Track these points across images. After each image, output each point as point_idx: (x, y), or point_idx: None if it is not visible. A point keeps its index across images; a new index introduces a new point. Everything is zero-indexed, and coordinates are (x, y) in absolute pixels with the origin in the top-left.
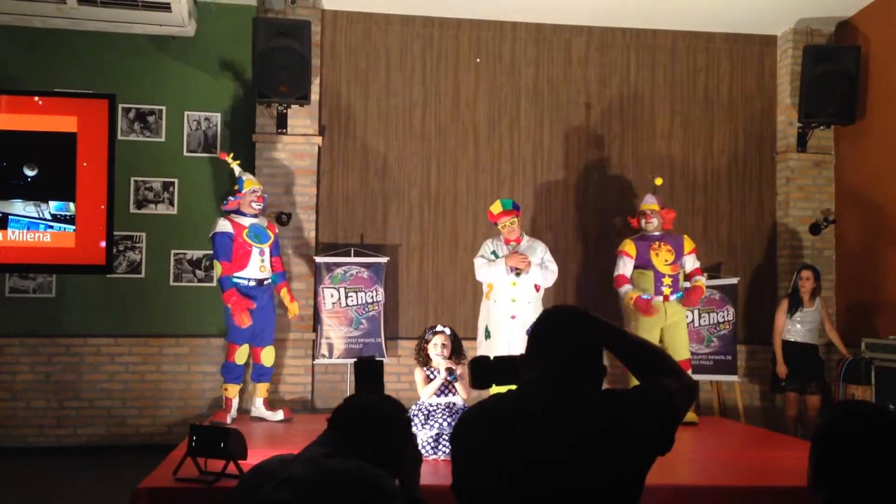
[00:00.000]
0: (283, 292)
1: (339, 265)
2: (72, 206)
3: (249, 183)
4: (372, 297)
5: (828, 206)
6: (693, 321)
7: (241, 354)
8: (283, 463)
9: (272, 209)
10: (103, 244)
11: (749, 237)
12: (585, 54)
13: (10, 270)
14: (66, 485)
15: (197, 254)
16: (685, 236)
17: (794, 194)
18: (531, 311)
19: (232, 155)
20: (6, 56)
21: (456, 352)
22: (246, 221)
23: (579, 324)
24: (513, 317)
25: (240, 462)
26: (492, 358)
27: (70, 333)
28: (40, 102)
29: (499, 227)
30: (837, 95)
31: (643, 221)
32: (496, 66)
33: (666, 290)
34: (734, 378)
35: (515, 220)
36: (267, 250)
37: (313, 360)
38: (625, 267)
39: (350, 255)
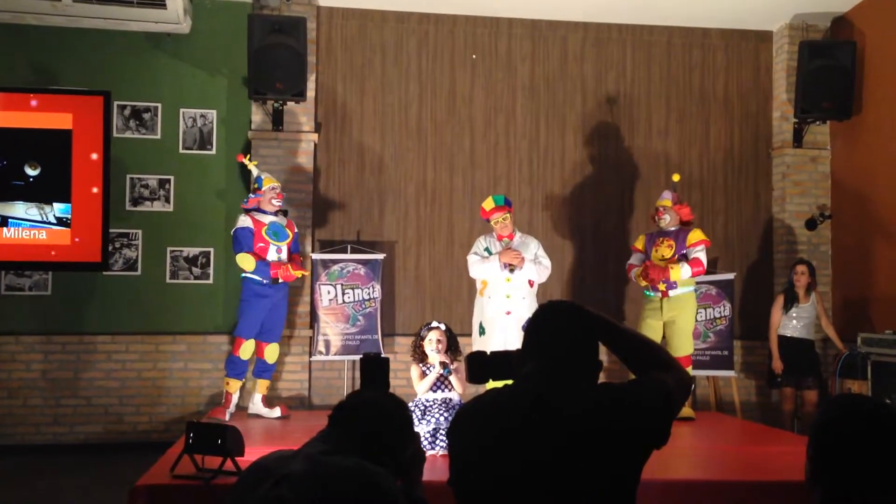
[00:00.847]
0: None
1: (335, 262)
2: (68, 204)
3: (269, 181)
4: (368, 294)
5: (824, 201)
6: None
7: (246, 349)
8: (282, 460)
9: None
10: (99, 242)
11: (745, 233)
12: (581, 50)
13: (5, 268)
14: (63, 483)
15: (193, 251)
16: (694, 230)
17: (790, 190)
18: (526, 306)
19: (249, 156)
20: (0, 53)
21: (452, 348)
22: (266, 219)
23: (575, 318)
24: (508, 313)
25: (237, 459)
26: (488, 353)
27: (66, 331)
28: (35, 102)
29: (491, 223)
30: (833, 91)
31: (656, 217)
32: (492, 63)
33: (661, 286)
34: (731, 373)
35: (508, 216)
36: (284, 248)
37: (310, 356)
38: (634, 259)
39: (346, 252)
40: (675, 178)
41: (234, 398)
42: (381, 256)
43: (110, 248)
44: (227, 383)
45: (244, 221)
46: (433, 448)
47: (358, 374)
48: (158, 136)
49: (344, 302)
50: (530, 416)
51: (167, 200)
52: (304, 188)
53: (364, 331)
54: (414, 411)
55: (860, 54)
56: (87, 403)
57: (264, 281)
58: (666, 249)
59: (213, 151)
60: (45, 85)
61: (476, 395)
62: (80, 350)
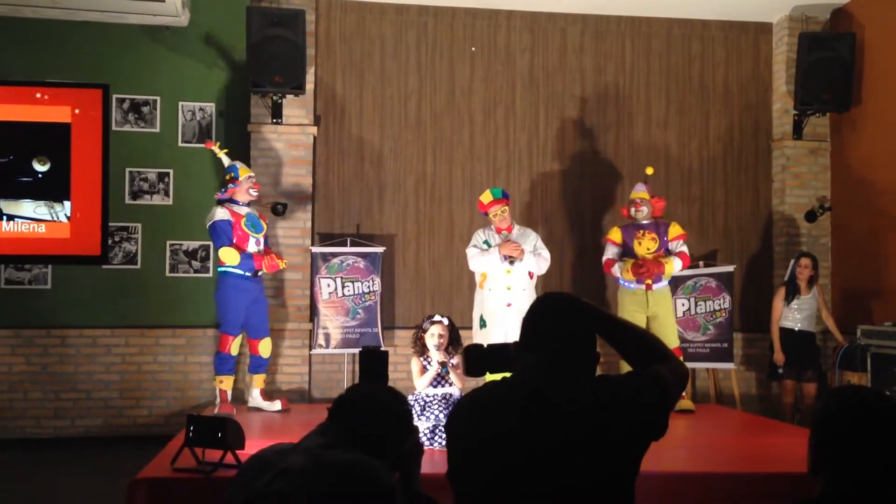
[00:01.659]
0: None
1: (335, 255)
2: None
3: (244, 171)
4: (368, 287)
5: (823, 193)
6: (689, 309)
7: (235, 345)
8: (282, 453)
9: (267, 199)
10: (99, 235)
11: (745, 225)
12: (580, 43)
13: (5, 262)
14: (63, 476)
15: (193, 244)
16: (673, 223)
17: (790, 182)
18: (526, 298)
19: (219, 143)
20: None
21: (453, 341)
22: (242, 210)
23: (572, 311)
24: (508, 304)
25: (237, 452)
26: (485, 346)
27: (66, 324)
28: (38, 95)
29: (490, 216)
30: (833, 83)
31: (632, 210)
32: (491, 55)
33: (648, 280)
34: (730, 366)
35: (506, 208)
36: (262, 240)
37: (310, 350)
38: (611, 252)
39: (346, 245)
40: (649, 171)
41: (229, 394)
42: (380, 249)
43: (110, 241)
44: (220, 381)
45: (222, 214)
46: (432, 444)
47: (358, 367)
48: (157, 130)
49: (344, 295)
50: (528, 409)
51: (166, 194)
52: (303, 181)
53: (364, 324)
54: (413, 406)
55: (860, 46)
56: (87, 397)
57: (247, 274)
58: (650, 242)
59: (203, 144)
60: (42, 78)
61: (474, 389)
62: (80, 344)
